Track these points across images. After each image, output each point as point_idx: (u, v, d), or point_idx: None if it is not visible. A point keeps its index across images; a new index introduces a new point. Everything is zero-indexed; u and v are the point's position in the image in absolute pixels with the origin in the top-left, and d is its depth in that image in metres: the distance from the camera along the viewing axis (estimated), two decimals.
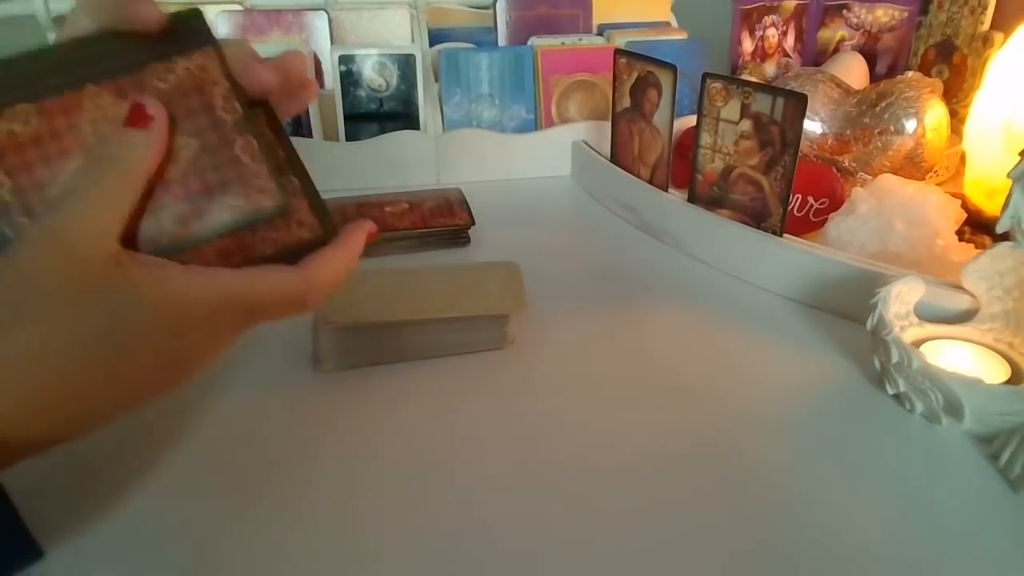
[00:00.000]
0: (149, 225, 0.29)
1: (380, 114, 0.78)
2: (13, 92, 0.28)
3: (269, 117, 0.32)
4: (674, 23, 0.95)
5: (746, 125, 0.54)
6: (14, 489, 0.26)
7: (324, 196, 0.33)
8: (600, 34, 0.91)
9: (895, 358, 0.41)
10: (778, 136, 0.52)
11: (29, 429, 0.26)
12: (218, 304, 0.28)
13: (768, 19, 0.89)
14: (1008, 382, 0.41)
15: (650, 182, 0.66)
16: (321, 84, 0.79)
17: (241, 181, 0.30)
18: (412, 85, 0.78)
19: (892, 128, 0.66)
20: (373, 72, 0.77)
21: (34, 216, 0.28)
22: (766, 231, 0.55)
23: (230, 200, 0.30)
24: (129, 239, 0.28)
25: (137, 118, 0.28)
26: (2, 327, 0.25)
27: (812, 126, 0.71)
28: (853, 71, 0.83)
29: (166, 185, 0.29)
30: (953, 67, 0.81)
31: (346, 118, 0.77)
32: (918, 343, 0.44)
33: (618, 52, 0.66)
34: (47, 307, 0.25)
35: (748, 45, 0.90)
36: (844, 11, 0.89)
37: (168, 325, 0.27)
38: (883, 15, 0.87)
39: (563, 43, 0.84)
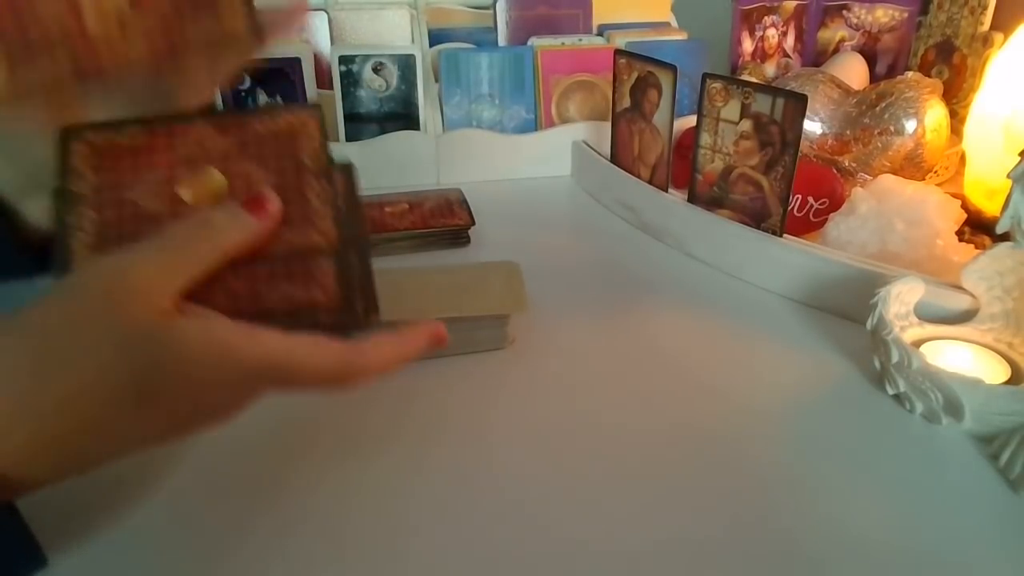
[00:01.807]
0: None
1: (380, 114, 0.78)
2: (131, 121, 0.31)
3: (351, 182, 0.33)
4: (674, 23, 0.95)
5: (746, 125, 0.54)
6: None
7: None
8: (600, 34, 0.91)
9: (895, 358, 0.41)
10: (778, 136, 0.52)
11: (40, 462, 0.26)
12: (255, 363, 0.27)
13: (768, 19, 0.89)
14: (1008, 382, 0.41)
15: (650, 182, 0.66)
16: (321, 84, 0.79)
17: (304, 218, 0.30)
18: (412, 85, 0.78)
19: (892, 128, 0.66)
20: (373, 72, 0.77)
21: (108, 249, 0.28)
22: (766, 231, 0.55)
23: (288, 234, 0.30)
24: (201, 295, 0.28)
25: (255, 206, 0.29)
26: (42, 371, 0.25)
27: (812, 126, 0.70)
28: (853, 71, 0.83)
29: None
30: (953, 67, 0.81)
31: (346, 118, 0.77)
32: (918, 343, 0.44)
33: (618, 52, 0.66)
34: (85, 349, 0.25)
35: (748, 45, 0.90)
36: (844, 11, 0.89)
37: (200, 377, 0.27)
38: (883, 15, 0.87)
39: (563, 43, 0.84)
